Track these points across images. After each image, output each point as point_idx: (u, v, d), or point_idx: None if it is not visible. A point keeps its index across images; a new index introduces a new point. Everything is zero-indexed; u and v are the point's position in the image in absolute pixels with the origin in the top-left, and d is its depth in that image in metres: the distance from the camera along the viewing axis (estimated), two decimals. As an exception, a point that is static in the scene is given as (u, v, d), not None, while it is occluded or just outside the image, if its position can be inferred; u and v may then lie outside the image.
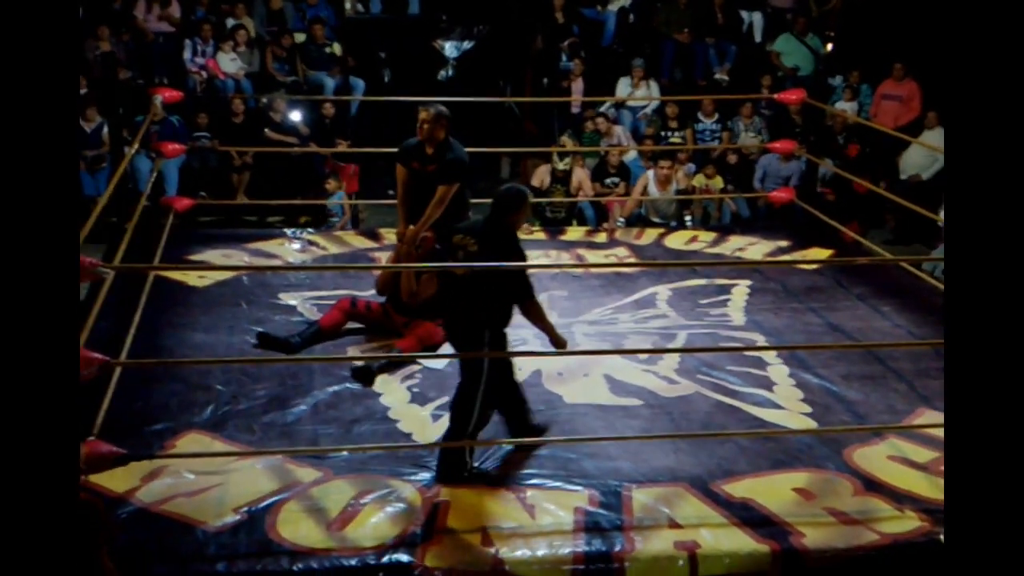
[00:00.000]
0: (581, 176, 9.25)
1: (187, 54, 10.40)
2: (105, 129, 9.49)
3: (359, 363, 5.49)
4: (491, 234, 4.52)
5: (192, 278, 6.81)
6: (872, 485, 4.54)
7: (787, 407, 5.27)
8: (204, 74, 10.29)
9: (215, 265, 7.16)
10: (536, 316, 4.63)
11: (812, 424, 5.11)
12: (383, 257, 7.42)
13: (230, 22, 10.71)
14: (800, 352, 5.88)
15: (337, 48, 10.82)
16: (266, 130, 9.85)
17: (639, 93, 10.69)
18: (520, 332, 6.13)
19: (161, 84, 9.77)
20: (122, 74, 10.13)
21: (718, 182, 9.71)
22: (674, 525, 4.20)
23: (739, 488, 4.47)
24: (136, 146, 7.34)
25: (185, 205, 7.95)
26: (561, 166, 9.12)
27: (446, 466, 4.49)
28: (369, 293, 6.28)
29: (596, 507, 4.30)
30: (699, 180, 9.69)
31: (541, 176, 9.25)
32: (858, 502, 4.41)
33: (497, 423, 4.93)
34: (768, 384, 5.51)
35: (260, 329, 5.81)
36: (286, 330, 5.93)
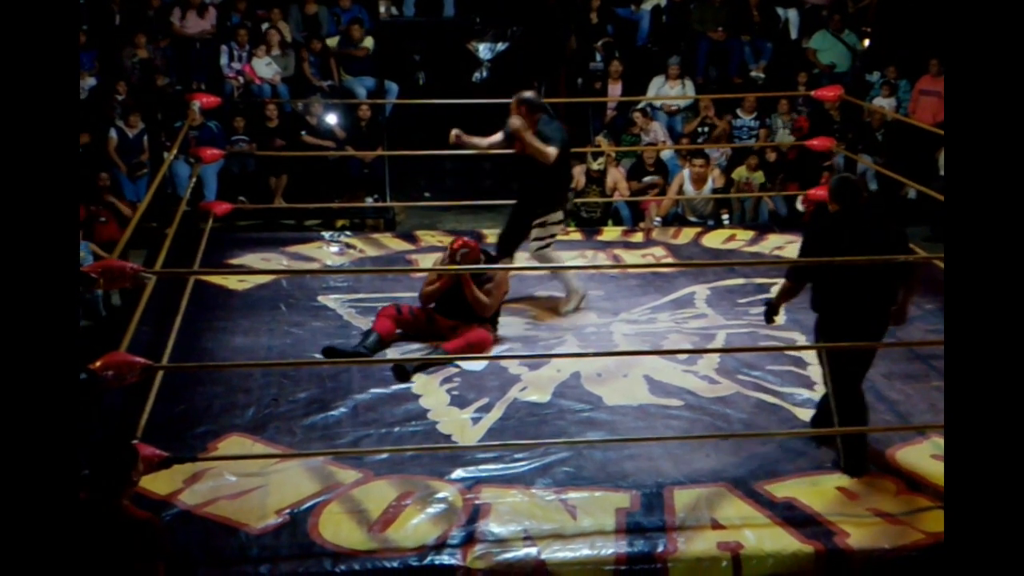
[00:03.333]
0: (616, 176, 9.22)
1: (223, 60, 10.48)
2: (145, 136, 9.61)
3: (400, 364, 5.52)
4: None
5: (232, 282, 6.86)
6: (915, 484, 4.49)
7: (829, 406, 5.21)
8: (241, 79, 10.37)
9: (254, 269, 7.21)
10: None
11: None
12: (420, 259, 7.43)
13: (265, 27, 10.78)
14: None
15: (368, 42, 10.83)
16: (303, 134, 9.91)
17: (674, 91, 10.65)
18: (558, 333, 6.14)
19: (199, 90, 9.86)
20: (160, 81, 10.24)
21: (759, 176, 9.63)
22: (717, 526, 4.18)
23: (782, 488, 4.43)
24: (175, 152, 7.42)
25: (224, 209, 8.01)
26: (595, 166, 9.10)
27: (854, 459, 4.54)
28: (409, 296, 6.29)
29: (637, 508, 4.28)
30: (740, 173, 9.61)
31: (576, 176, 9.21)
32: (902, 502, 4.37)
33: (545, 422, 4.94)
34: (809, 383, 5.47)
35: (328, 343, 5.74)
36: (326, 335, 5.96)
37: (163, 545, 3.47)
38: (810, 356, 5.77)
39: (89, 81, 10.10)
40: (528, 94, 6.36)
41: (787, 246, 7.90)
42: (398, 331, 5.89)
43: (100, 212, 8.60)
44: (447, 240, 7.64)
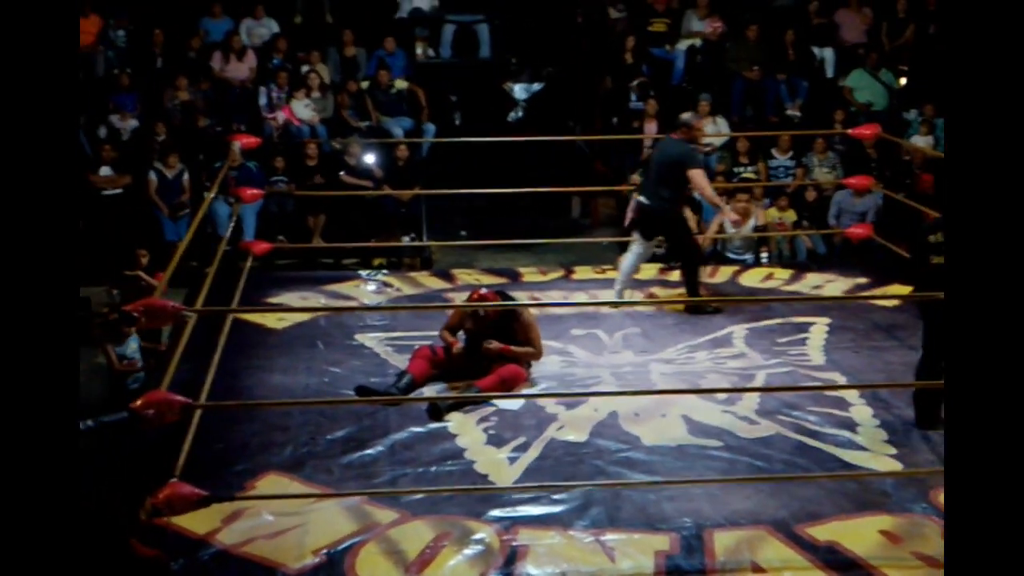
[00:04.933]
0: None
1: (262, 101, 10.63)
2: (186, 176, 9.74)
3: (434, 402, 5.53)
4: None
5: (270, 320, 6.91)
6: (962, 528, 4.40)
7: (871, 448, 5.15)
8: (280, 120, 10.50)
9: (292, 307, 7.25)
10: None
11: (897, 466, 4.98)
12: (456, 297, 7.45)
13: (305, 69, 10.92)
14: (883, 391, 5.75)
15: (399, 84, 10.95)
16: (341, 174, 10.00)
17: (707, 129, 10.63)
18: (595, 371, 6.12)
19: (239, 131, 9.99)
20: (201, 122, 10.40)
21: (791, 215, 9.60)
22: (757, 569, 4.12)
23: (823, 531, 4.36)
24: (215, 191, 7.51)
25: (263, 249, 8.08)
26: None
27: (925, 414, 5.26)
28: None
29: (677, 551, 4.23)
30: (771, 214, 9.59)
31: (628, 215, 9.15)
32: (947, 546, 4.28)
33: (583, 461, 4.92)
34: (851, 425, 5.40)
35: (361, 383, 5.75)
36: (363, 373, 5.97)
37: None
38: (851, 396, 5.71)
39: (132, 123, 10.27)
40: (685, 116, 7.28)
41: (826, 285, 7.84)
42: (433, 372, 5.90)
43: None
44: (484, 279, 7.67)
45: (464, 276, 8.13)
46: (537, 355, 6.01)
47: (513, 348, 5.85)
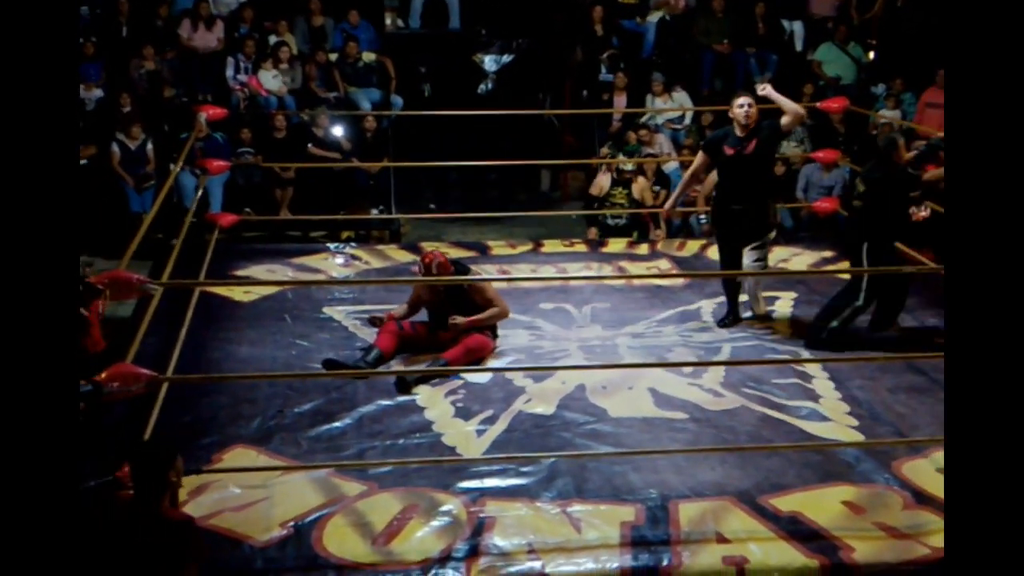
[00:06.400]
0: (643, 185, 9.13)
1: (229, 71, 10.50)
2: (150, 146, 9.64)
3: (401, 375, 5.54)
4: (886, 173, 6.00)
5: (238, 293, 6.87)
6: (922, 498, 4.47)
7: (834, 419, 5.22)
8: (247, 91, 10.40)
9: (260, 280, 7.22)
10: None
11: (859, 437, 5.05)
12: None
13: (272, 39, 10.80)
14: (846, 364, 5.82)
15: (367, 57, 10.85)
16: (309, 146, 9.93)
17: (664, 104, 10.61)
18: (563, 345, 6.15)
19: (205, 101, 9.89)
20: (167, 92, 10.28)
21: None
22: (722, 540, 4.17)
23: (787, 502, 4.42)
24: (181, 163, 7.45)
25: (230, 221, 8.03)
26: (631, 166, 9.01)
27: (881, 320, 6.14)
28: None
29: (642, 522, 4.27)
30: None
31: (600, 184, 9.15)
32: (908, 516, 4.35)
33: (550, 434, 4.95)
34: (814, 397, 5.46)
35: (329, 356, 5.75)
36: (331, 346, 5.97)
37: (199, 546, 3.48)
38: (815, 369, 5.77)
39: (96, 93, 10.13)
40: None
41: (793, 258, 7.90)
42: (400, 345, 5.90)
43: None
44: (452, 252, 7.67)
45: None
46: (504, 312, 6.00)
47: (478, 317, 5.84)
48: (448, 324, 5.81)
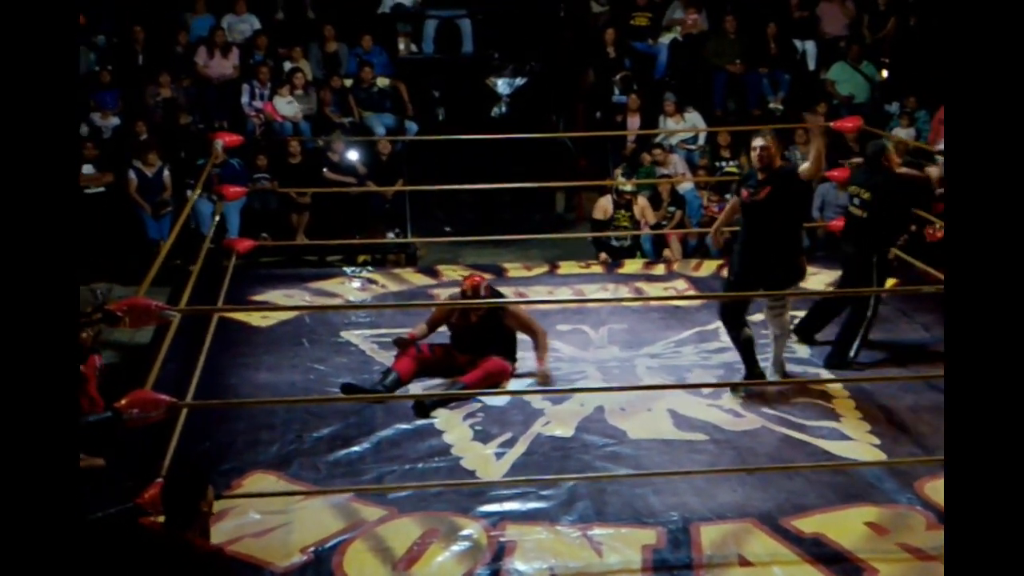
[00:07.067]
0: (643, 204, 9.15)
1: (245, 98, 10.57)
2: (167, 173, 9.70)
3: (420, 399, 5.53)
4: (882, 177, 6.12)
5: (255, 318, 6.89)
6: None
7: (855, 439, 5.19)
8: (262, 117, 10.46)
9: (278, 305, 7.24)
10: None
11: (881, 456, 5.02)
12: (441, 293, 7.44)
13: (287, 66, 10.87)
14: (866, 383, 5.78)
15: (381, 82, 10.91)
16: (325, 170, 9.97)
17: (677, 125, 10.61)
18: (581, 366, 6.13)
19: (221, 128, 9.94)
20: (183, 119, 10.34)
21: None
22: (744, 563, 4.14)
23: (809, 523, 4.39)
24: (199, 190, 7.48)
25: (247, 246, 8.05)
26: (630, 187, 9.02)
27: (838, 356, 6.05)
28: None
29: (664, 545, 4.25)
30: None
31: (603, 207, 9.16)
32: (932, 536, 4.31)
33: (569, 456, 4.93)
34: (835, 416, 5.43)
35: (345, 381, 5.77)
36: (349, 370, 5.97)
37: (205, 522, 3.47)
38: (835, 389, 5.73)
39: (112, 121, 10.21)
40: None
41: (810, 278, 7.84)
42: (418, 369, 5.90)
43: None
44: (468, 274, 7.67)
45: (449, 272, 8.13)
46: (545, 334, 6.07)
47: (541, 354, 5.93)
48: (539, 381, 5.86)
